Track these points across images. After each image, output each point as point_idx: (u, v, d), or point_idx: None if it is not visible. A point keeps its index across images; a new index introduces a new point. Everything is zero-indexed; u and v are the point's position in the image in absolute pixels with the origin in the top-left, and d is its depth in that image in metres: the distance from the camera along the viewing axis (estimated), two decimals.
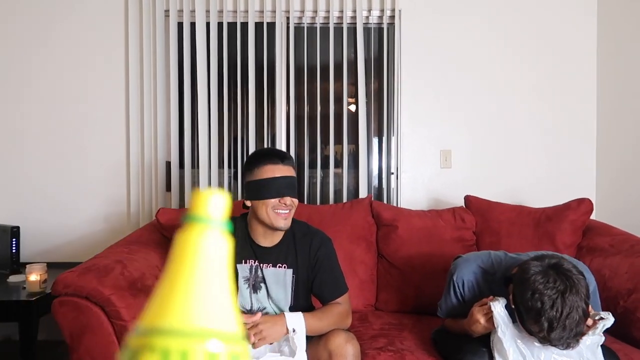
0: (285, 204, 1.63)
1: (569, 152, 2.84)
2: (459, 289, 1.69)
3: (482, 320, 1.50)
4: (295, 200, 1.67)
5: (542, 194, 2.76)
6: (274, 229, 1.66)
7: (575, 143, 2.84)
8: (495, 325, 1.46)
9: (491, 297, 1.52)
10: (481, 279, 1.66)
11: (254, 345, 1.50)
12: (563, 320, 1.30)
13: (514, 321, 1.46)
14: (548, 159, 2.83)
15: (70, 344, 1.60)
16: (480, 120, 2.84)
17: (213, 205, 0.22)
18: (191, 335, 0.19)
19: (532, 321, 1.35)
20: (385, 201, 2.80)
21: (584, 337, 1.39)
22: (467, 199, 2.42)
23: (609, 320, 1.41)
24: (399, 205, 2.77)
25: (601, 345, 1.52)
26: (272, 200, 1.63)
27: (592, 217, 2.46)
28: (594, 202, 2.76)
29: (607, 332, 1.85)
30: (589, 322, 1.41)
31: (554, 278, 1.34)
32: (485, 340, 1.56)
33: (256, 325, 1.52)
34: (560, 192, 2.65)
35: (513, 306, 1.42)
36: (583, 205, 2.25)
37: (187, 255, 0.20)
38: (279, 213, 1.63)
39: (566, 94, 2.84)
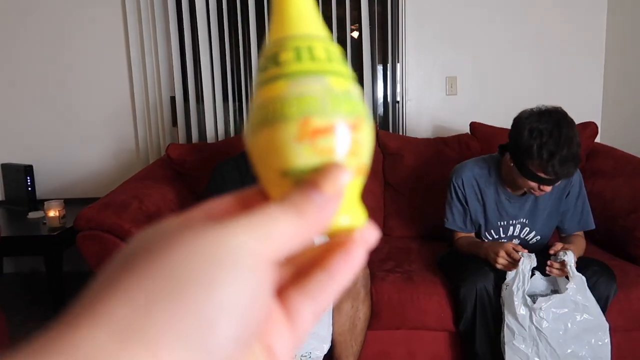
0: None
1: (575, 76, 2.80)
2: (460, 189, 1.75)
3: (501, 260, 1.55)
4: None
5: None
6: None
7: (582, 67, 2.79)
8: (514, 277, 1.51)
9: (526, 251, 1.54)
10: (478, 173, 1.75)
11: None
12: (562, 146, 1.42)
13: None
14: (554, 84, 2.80)
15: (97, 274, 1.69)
16: (486, 45, 2.78)
17: None
18: (311, 37, 0.24)
19: (535, 161, 1.45)
20: (390, 130, 2.82)
21: (569, 287, 1.47)
22: (473, 125, 2.43)
23: (569, 255, 1.49)
24: (404, 134, 2.79)
25: (597, 261, 1.61)
26: None
27: (597, 140, 2.48)
28: (599, 125, 2.77)
29: (605, 249, 1.94)
30: (556, 266, 1.50)
31: (547, 114, 1.51)
32: (489, 263, 1.65)
33: None
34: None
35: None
36: (588, 129, 2.26)
37: None
38: None
39: (574, 22, 2.75)
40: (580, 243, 1.72)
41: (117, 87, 2.85)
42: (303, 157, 0.22)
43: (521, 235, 1.79)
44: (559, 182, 1.55)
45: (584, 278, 1.51)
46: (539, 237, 1.79)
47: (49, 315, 2.41)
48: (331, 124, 0.22)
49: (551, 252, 1.54)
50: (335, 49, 0.25)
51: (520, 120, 1.54)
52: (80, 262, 2.78)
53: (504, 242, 1.64)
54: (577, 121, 2.31)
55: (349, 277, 0.22)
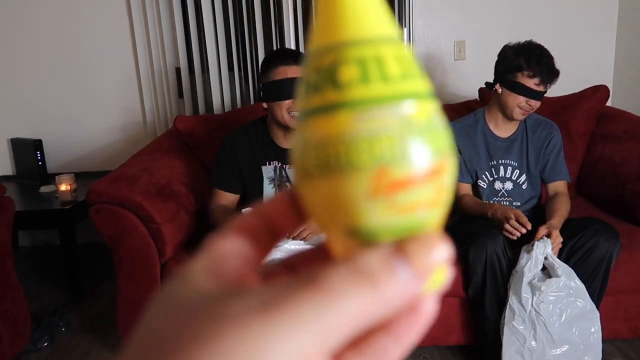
0: None
1: (586, 40, 2.74)
2: (453, 140, 1.79)
3: (512, 222, 1.61)
4: None
5: (560, 81, 2.69)
6: (292, 130, 1.70)
7: (594, 30, 2.73)
8: (527, 261, 1.54)
9: (545, 233, 1.58)
10: (466, 123, 1.91)
11: (305, 239, 1.56)
12: (545, 56, 1.69)
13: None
14: (566, 47, 2.73)
15: (110, 246, 1.73)
16: (495, 8, 2.71)
17: None
18: (377, 42, 0.18)
19: (524, 72, 1.69)
20: None
21: (561, 273, 1.51)
22: (482, 91, 2.40)
23: (547, 246, 1.55)
24: None
25: (598, 221, 1.62)
26: (286, 101, 1.65)
27: (609, 103, 2.44)
28: (611, 88, 2.72)
29: (613, 214, 1.94)
30: (544, 231, 1.59)
31: (525, 42, 1.78)
32: (499, 226, 1.67)
33: None
34: (578, 80, 2.60)
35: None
36: (599, 93, 2.23)
37: None
38: (294, 115, 1.66)
39: None
40: (564, 205, 1.78)
41: (121, 59, 2.82)
42: (377, 215, 0.18)
43: (512, 178, 1.89)
44: (538, 105, 1.77)
45: (569, 268, 1.54)
46: (527, 183, 1.89)
47: (64, 287, 2.47)
48: (414, 174, 0.18)
49: (533, 241, 1.59)
50: (409, 56, 0.19)
51: (505, 49, 1.82)
52: (93, 234, 2.84)
53: (513, 210, 1.65)
54: (588, 84, 2.29)
55: (415, 339, 0.19)
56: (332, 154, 0.18)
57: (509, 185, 1.89)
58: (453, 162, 0.19)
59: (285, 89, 1.64)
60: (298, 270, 0.22)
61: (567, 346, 1.51)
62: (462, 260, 1.66)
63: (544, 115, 2.16)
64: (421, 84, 0.19)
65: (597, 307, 1.55)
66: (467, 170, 1.90)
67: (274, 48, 2.74)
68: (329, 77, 0.18)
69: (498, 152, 1.89)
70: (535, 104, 1.75)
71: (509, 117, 1.83)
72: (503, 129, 1.89)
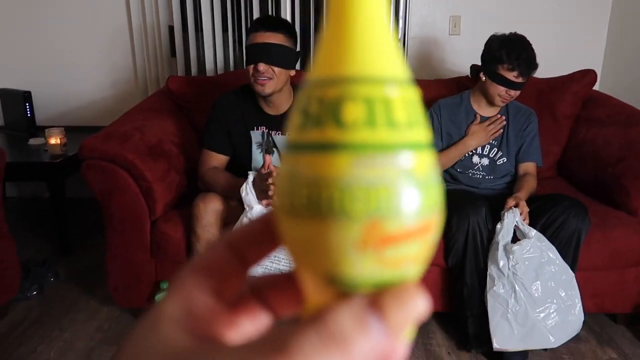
0: (258, 70, 1.66)
1: (580, 23, 2.76)
2: (436, 114, 2.01)
3: (492, 126, 1.94)
4: (275, 69, 1.68)
5: (550, 63, 2.73)
6: (259, 95, 1.74)
7: (588, 13, 2.75)
8: (499, 231, 1.64)
9: (513, 203, 1.70)
10: (451, 102, 2.02)
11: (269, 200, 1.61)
12: (526, 49, 1.79)
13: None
14: (559, 28, 2.76)
15: (101, 202, 1.76)
16: None
17: None
18: (387, 82, 0.17)
19: (504, 65, 1.79)
20: None
21: (532, 236, 1.61)
22: (473, 68, 2.42)
23: (516, 215, 1.66)
24: None
25: (567, 197, 1.72)
26: (250, 66, 1.68)
27: (597, 87, 2.49)
28: (600, 73, 2.77)
29: (593, 197, 2.01)
30: (512, 202, 1.71)
31: (510, 34, 1.85)
32: (481, 199, 1.74)
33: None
34: (569, 62, 2.64)
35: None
36: (587, 77, 2.27)
37: (350, 5, 0.18)
38: (256, 79, 1.69)
39: None
40: (531, 184, 1.90)
41: (114, 15, 2.78)
42: (362, 267, 0.17)
43: (490, 155, 1.99)
44: (517, 94, 1.87)
45: (539, 233, 1.63)
46: (504, 160, 1.99)
47: (53, 239, 2.51)
48: (406, 229, 0.17)
49: (503, 211, 1.70)
50: (416, 99, 0.19)
51: (490, 40, 1.90)
52: (82, 189, 2.85)
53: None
54: (577, 68, 2.33)
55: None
56: (325, 197, 0.17)
57: (485, 161, 1.99)
58: (440, 219, 0.19)
59: (250, 54, 1.68)
60: (267, 299, 0.22)
61: (550, 305, 1.58)
62: (444, 230, 1.73)
63: (532, 96, 2.21)
64: (424, 133, 0.18)
65: None
66: (438, 146, 2.00)
67: (270, 10, 2.72)
68: (332, 112, 0.17)
69: None
70: (515, 93, 1.86)
71: (490, 103, 1.95)
72: (486, 110, 1.99)
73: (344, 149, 0.17)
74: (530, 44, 1.83)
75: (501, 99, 1.88)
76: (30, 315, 1.93)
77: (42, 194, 3.02)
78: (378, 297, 0.17)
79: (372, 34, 0.18)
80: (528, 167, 1.99)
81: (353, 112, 0.17)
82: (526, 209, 1.69)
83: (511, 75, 1.81)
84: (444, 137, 2.00)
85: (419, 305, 0.17)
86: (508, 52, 1.79)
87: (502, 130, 1.96)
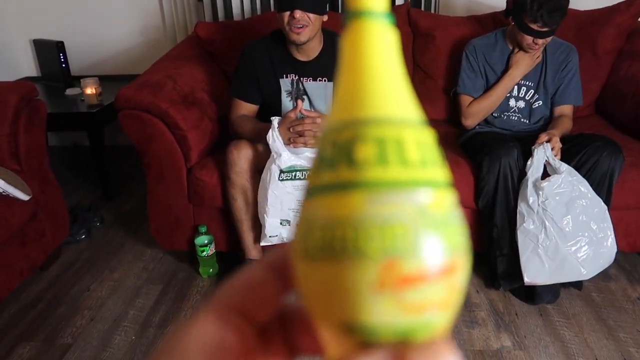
0: (294, 18, 1.62)
1: None
2: (472, 55, 1.95)
3: (534, 59, 1.84)
4: (311, 16, 1.64)
5: None
6: (294, 43, 1.70)
7: None
8: (529, 166, 1.63)
9: (546, 138, 1.67)
10: (486, 41, 1.95)
11: (306, 144, 1.64)
12: None
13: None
14: None
15: (139, 150, 1.83)
16: None
17: None
18: (399, 123, 0.18)
19: (527, 12, 1.69)
20: (422, 6, 2.70)
21: (563, 171, 1.59)
22: (508, 2, 2.31)
23: (547, 150, 1.65)
24: (437, 10, 2.67)
25: (599, 137, 1.69)
26: (286, 13, 1.64)
27: None
28: None
29: (633, 136, 1.96)
30: (545, 137, 1.69)
31: None
32: (514, 141, 1.72)
33: (314, 121, 1.63)
34: None
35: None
36: (633, 7, 2.13)
37: (364, 54, 0.18)
38: (292, 27, 1.65)
39: None
40: (566, 124, 1.86)
41: None
42: (381, 312, 0.16)
43: (526, 98, 1.94)
44: (550, 39, 1.78)
45: (570, 167, 1.61)
46: (540, 102, 1.93)
47: (96, 185, 2.63)
48: (426, 270, 0.16)
49: (534, 146, 1.68)
50: (430, 141, 0.18)
51: None
52: (120, 136, 2.94)
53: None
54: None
55: None
56: (339, 237, 0.17)
57: (521, 104, 1.93)
58: (467, 261, 0.18)
59: (284, 1, 1.62)
60: (293, 333, 0.22)
61: (581, 238, 1.59)
62: (475, 171, 1.73)
63: (570, 30, 2.11)
64: (440, 173, 0.18)
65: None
66: (480, 86, 1.94)
67: None
68: (345, 153, 0.17)
69: None
70: (544, 41, 1.77)
71: (521, 47, 1.85)
72: (521, 49, 1.88)
73: (357, 188, 0.17)
74: None
75: (530, 47, 1.79)
76: (81, 257, 2.07)
77: (82, 142, 3.14)
78: (403, 352, 0.16)
79: (384, 78, 0.18)
80: (564, 109, 1.93)
81: (364, 151, 0.17)
82: (558, 145, 1.66)
83: (535, 26, 1.72)
84: (481, 80, 1.95)
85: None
86: (531, 1, 1.69)
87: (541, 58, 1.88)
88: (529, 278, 1.62)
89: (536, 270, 1.61)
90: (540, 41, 1.76)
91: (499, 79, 1.91)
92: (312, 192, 0.18)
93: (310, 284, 0.18)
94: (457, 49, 2.17)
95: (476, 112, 1.92)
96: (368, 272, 0.16)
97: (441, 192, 0.18)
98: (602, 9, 2.21)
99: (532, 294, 1.70)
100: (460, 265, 0.17)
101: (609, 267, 1.86)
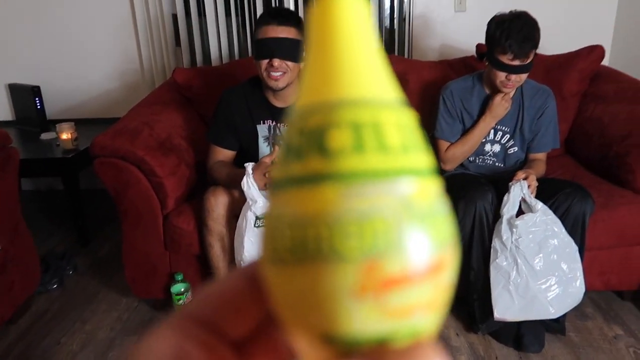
0: (272, 66, 1.66)
1: None
2: (449, 100, 1.94)
3: (505, 97, 1.81)
4: (289, 63, 1.68)
5: (558, 39, 2.69)
6: (272, 90, 1.73)
7: None
8: (505, 203, 1.65)
9: (523, 176, 1.69)
10: (464, 85, 1.95)
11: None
12: (520, 29, 1.67)
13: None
14: (567, 4, 2.71)
15: (115, 198, 1.81)
16: None
17: None
18: (377, 105, 0.15)
19: (499, 47, 1.69)
20: (396, 51, 2.78)
21: (538, 209, 1.61)
22: (479, 47, 2.40)
23: (523, 187, 1.67)
24: (410, 55, 2.76)
25: (569, 183, 1.72)
26: (264, 61, 1.67)
27: (607, 63, 2.45)
28: (610, 47, 2.73)
29: (598, 174, 2.02)
30: (522, 174, 1.70)
31: (513, 13, 1.73)
32: (487, 183, 1.75)
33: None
34: (577, 38, 2.59)
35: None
36: (594, 53, 2.24)
37: (334, 25, 0.16)
38: (270, 74, 1.69)
39: None
40: (540, 167, 1.89)
41: (118, 6, 2.78)
42: (363, 319, 0.15)
43: (502, 142, 1.95)
44: (523, 78, 1.76)
45: (545, 206, 1.63)
46: (516, 148, 1.94)
47: (70, 231, 2.58)
48: (412, 270, 0.15)
49: (511, 182, 1.70)
50: (412, 123, 0.17)
51: (490, 21, 1.78)
52: (95, 180, 2.90)
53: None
54: (586, 43, 2.29)
55: None
56: (312, 237, 0.14)
57: (497, 148, 1.96)
58: (455, 256, 0.16)
59: (264, 48, 1.66)
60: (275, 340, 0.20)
61: (551, 277, 1.61)
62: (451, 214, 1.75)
63: (539, 73, 2.18)
64: (424, 159, 0.16)
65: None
66: (457, 131, 1.95)
67: None
68: (315, 141, 0.15)
69: None
70: (516, 77, 1.74)
71: (496, 90, 1.84)
72: (496, 91, 1.88)
73: (331, 180, 0.15)
74: (528, 22, 1.70)
75: (504, 85, 1.77)
76: (52, 308, 2.01)
77: (57, 186, 3.09)
78: (389, 356, 0.15)
79: (357, 55, 0.16)
80: (539, 155, 1.95)
81: (338, 138, 0.15)
82: (535, 183, 1.68)
83: (506, 59, 1.70)
84: (457, 126, 1.95)
85: None
86: (500, 33, 1.69)
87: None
88: (498, 314, 1.63)
89: (506, 306, 1.63)
90: (512, 77, 1.73)
91: (475, 122, 1.92)
92: (279, 186, 0.16)
93: (281, 291, 0.16)
94: (430, 92, 2.24)
95: (453, 157, 1.94)
96: (346, 276, 0.14)
97: (426, 181, 0.16)
98: (567, 54, 2.31)
99: (519, 343, 1.70)
100: (448, 261, 0.16)
101: (586, 306, 1.90)
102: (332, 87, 0.15)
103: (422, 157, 0.16)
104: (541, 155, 1.95)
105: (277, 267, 0.15)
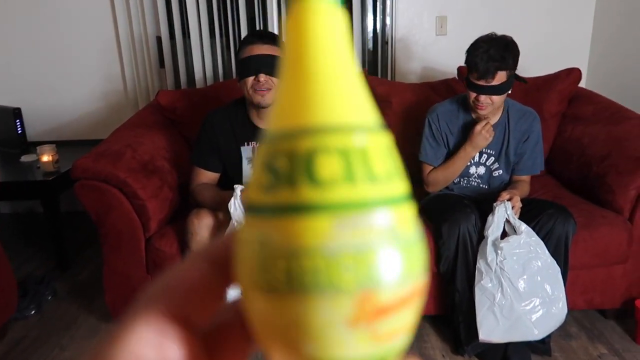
0: (258, 81, 1.68)
1: (565, 20, 2.78)
2: (435, 124, 1.94)
3: (485, 129, 1.77)
4: (275, 80, 1.69)
5: (536, 62, 2.76)
6: (258, 107, 1.74)
7: (573, 10, 2.77)
8: (489, 225, 1.65)
9: (507, 197, 1.69)
10: (449, 108, 1.94)
11: None
12: (490, 47, 1.66)
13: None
14: (544, 27, 2.79)
15: (96, 221, 1.78)
16: None
17: None
18: (362, 130, 0.15)
19: (472, 68, 1.69)
20: (379, 73, 2.82)
21: (521, 232, 1.62)
22: (460, 70, 2.45)
23: (507, 208, 1.67)
24: (393, 77, 2.80)
25: (552, 204, 1.73)
26: (250, 78, 1.69)
27: (583, 84, 2.51)
28: (586, 69, 2.80)
29: (579, 194, 2.05)
30: (506, 195, 1.70)
31: (492, 35, 1.73)
32: (470, 205, 1.76)
33: None
34: (555, 60, 2.67)
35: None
36: (572, 75, 2.30)
37: (311, 41, 0.15)
38: (256, 90, 1.70)
39: None
40: (524, 188, 1.90)
41: (101, 27, 2.78)
42: (354, 347, 0.15)
43: (487, 164, 1.95)
44: (497, 101, 1.74)
45: (529, 227, 1.64)
46: (501, 172, 1.94)
47: (49, 254, 2.52)
48: (401, 298, 0.15)
49: (495, 203, 1.70)
50: (391, 147, 0.17)
51: (472, 42, 1.77)
52: (76, 202, 2.86)
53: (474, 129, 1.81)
54: (563, 66, 2.36)
55: None
56: (309, 268, 0.15)
57: (481, 170, 1.96)
58: (426, 279, 0.17)
59: (250, 65, 1.68)
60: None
61: (535, 299, 1.61)
62: (435, 237, 1.76)
63: (518, 95, 2.22)
64: (404, 185, 0.16)
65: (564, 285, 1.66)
66: (442, 158, 1.95)
67: (256, 11, 2.73)
68: (305, 168, 0.15)
69: None
70: (485, 98, 1.73)
71: (477, 113, 1.81)
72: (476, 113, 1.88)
73: (323, 211, 0.15)
74: (498, 44, 1.69)
75: (475, 106, 1.77)
76: (30, 334, 1.95)
77: (37, 208, 3.03)
78: None
79: (338, 76, 0.16)
80: (522, 177, 1.95)
81: (328, 166, 0.15)
82: (519, 204, 1.69)
83: (474, 78, 1.71)
84: (442, 150, 1.95)
85: None
86: (469, 52, 1.71)
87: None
88: (483, 335, 1.63)
89: (490, 328, 1.63)
90: (481, 98, 1.72)
91: (459, 144, 1.91)
92: (265, 211, 0.16)
93: (271, 319, 0.16)
94: (413, 114, 2.26)
95: (435, 181, 1.95)
96: (342, 306, 0.15)
97: (406, 208, 0.16)
98: (545, 76, 2.37)
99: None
100: (423, 286, 0.17)
101: (570, 325, 1.90)
102: (316, 110, 0.15)
103: (402, 184, 0.16)
104: (525, 177, 1.96)
105: (270, 295, 0.15)
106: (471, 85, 1.74)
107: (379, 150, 0.16)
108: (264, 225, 0.16)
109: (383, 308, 0.15)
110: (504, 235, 1.68)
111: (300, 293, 0.15)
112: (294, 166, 0.15)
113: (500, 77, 1.70)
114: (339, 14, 0.16)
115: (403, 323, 0.16)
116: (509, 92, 1.79)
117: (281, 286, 0.15)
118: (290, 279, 0.15)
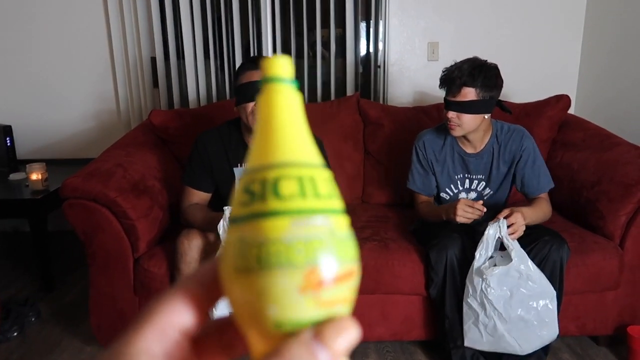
0: None
1: (554, 47, 2.84)
2: (422, 151, 1.92)
3: (460, 212, 1.66)
4: None
5: (526, 88, 2.81)
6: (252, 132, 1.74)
7: (562, 38, 2.83)
8: (480, 245, 1.62)
9: (504, 216, 1.63)
10: (437, 135, 1.92)
11: None
12: (460, 64, 1.70)
13: (495, 249, 1.65)
14: (534, 54, 2.84)
15: (84, 241, 1.75)
16: (468, 12, 2.78)
17: (285, 67, 0.24)
18: (312, 166, 0.23)
19: (441, 75, 1.75)
20: (371, 97, 2.85)
21: (513, 258, 1.59)
22: None
23: (502, 227, 1.62)
24: (385, 101, 2.82)
25: (547, 230, 1.71)
26: (250, 104, 1.69)
27: (572, 111, 2.55)
28: (575, 96, 2.85)
29: (570, 219, 2.05)
30: (505, 212, 1.64)
31: (471, 57, 1.75)
32: (458, 230, 1.75)
33: None
34: (544, 87, 2.71)
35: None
36: (561, 101, 2.33)
37: (278, 109, 0.23)
38: (255, 117, 1.69)
39: None
40: (542, 207, 1.79)
41: (95, 47, 2.79)
42: (304, 309, 0.21)
43: (478, 189, 1.92)
44: (465, 120, 1.72)
45: (522, 251, 1.61)
46: (491, 192, 1.90)
47: (34, 275, 2.47)
48: (337, 275, 0.22)
49: (490, 222, 1.65)
50: (331, 179, 0.24)
51: None
52: (64, 222, 2.82)
53: (459, 199, 1.72)
54: (553, 92, 2.39)
55: None
56: (271, 251, 0.21)
57: (472, 195, 1.94)
58: (359, 268, 0.24)
59: (249, 91, 1.68)
60: (228, 336, 0.26)
61: (521, 323, 1.60)
62: (425, 262, 1.75)
63: (509, 121, 2.23)
64: (340, 204, 0.24)
65: (558, 310, 1.65)
66: (430, 185, 1.94)
67: (251, 34, 2.75)
68: (272, 188, 0.22)
69: (466, 166, 1.90)
70: (452, 114, 1.72)
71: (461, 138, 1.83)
72: (468, 146, 1.87)
73: (284, 215, 0.22)
74: (470, 62, 1.70)
75: (449, 126, 1.76)
76: (11, 358, 1.89)
77: (23, 227, 2.98)
78: (321, 329, 0.21)
79: (294, 131, 0.24)
80: (538, 195, 1.85)
81: (289, 187, 0.22)
82: (520, 221, 1.60)
83: (445, 94, 1.76)
84: (430, 178, 1.93)
85: (353, 333, 0.22)
86: (445, 69, 1.76)
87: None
88: (468, 343, 1.64)
89: (475, 339, 1.64)
90: (449, 113, 1.72)
91: (445, 172, 1.91)
92: (243, 219, 0.22)
93: (245, 293, 0.22)
94: (404, 136, 2.27)
95: (422, 214, 1.93)
96: (295, 278, 0.21)
97: (342, 217, 0.23)
98: (535, 102, 2.40)
99: None
100: (356, 271, 0.23)
101: (562, 352, 1.89)
102: (280, 152, 0.23)
103: (339, 202, 0.24)
104: (543, 195, 1.87)
105: (245, 274, 0.22)
106: (444, 101, 1.77)
107: (322, 179, 0.23)
108: (242, 228, 0.22)
109: (324, 280, 0.21)
110: (503, 248, 1.65)
111: (267, 269, 0.21)
112: (265, 188, 0.22)
113: (467, 93, 1.68)
114: (295, 93, 0.24)
115: (341, 294, 0.22)
116: (485, 116, 1.74)
117: (254, 265, 0.21)
118: (260, 260, 0.21)
